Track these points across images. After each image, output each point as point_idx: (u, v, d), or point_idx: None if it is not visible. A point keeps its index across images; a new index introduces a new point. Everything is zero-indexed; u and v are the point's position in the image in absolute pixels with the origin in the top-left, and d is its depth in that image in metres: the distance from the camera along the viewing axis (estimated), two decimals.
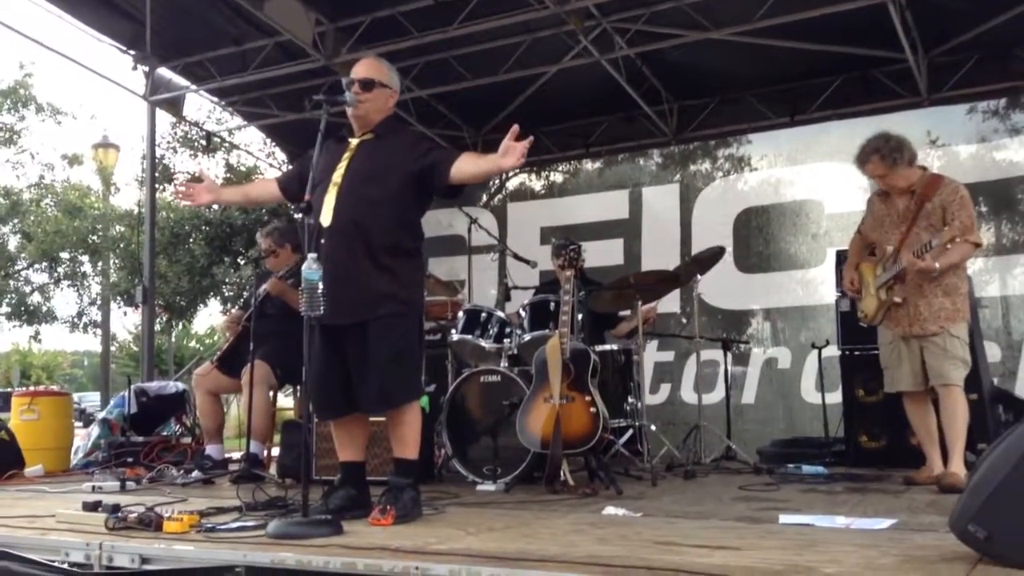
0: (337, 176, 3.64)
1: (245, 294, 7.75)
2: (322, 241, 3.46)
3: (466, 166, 3.55)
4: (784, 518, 3.37)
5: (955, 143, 7.45)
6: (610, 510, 3.68)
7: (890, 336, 4.70)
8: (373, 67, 3.80)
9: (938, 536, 2.82)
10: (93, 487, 4.82)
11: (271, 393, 5.74)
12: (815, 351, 6.61)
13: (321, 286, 3.14)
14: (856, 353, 5.79)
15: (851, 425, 5.78)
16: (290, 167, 3.84)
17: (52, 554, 3.03)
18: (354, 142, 3.77)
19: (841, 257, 5.97)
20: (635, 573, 2.28)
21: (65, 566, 3.01)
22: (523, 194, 9.46)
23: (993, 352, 6.84)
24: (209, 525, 3.21)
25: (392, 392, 3.55)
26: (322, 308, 3.16)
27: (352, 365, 3.58)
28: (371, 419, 3.91)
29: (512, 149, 3.29)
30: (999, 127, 7.43)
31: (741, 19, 6.78)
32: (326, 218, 3.56)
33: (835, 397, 6.20)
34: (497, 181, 9.60)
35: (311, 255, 3.17)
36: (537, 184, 9.47)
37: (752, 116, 8.24)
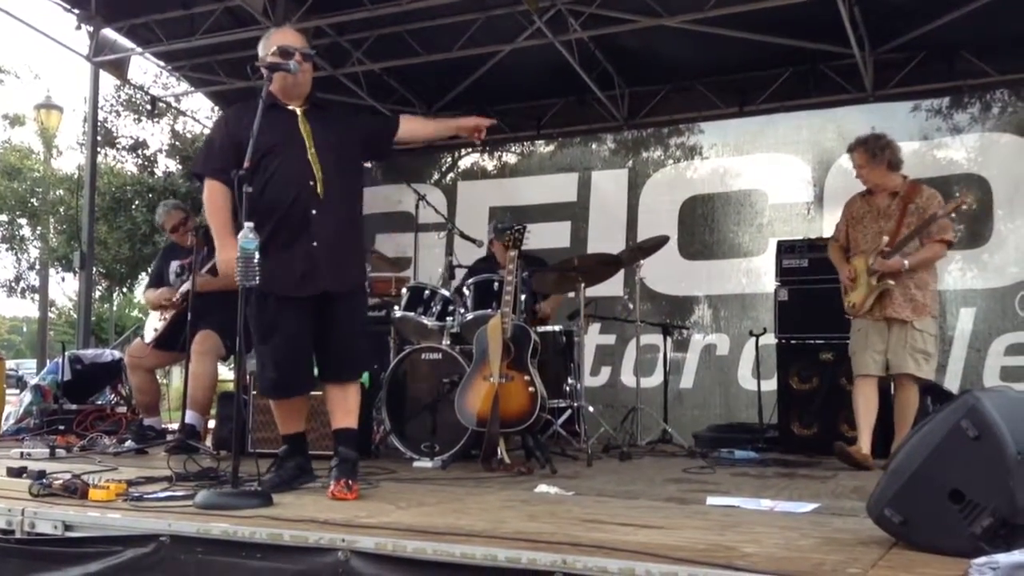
0: (309, 144, 3.60)
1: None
2: (313, 212, 3.51)
3: (415, 126, 4.02)
4: (711, 500, 3.43)
5: (898, 139, 7.40)
6: (542, 488, 3.71)
7: (859, 324, 4.95)
8: (302, 39, 3.78)
9: (858, 520, 2.89)
10: (22, 454, 4.74)
11: (217, 364, 5.65)
12: (753, 339, 6.71)
13: (257, 256, 3.11)
14: (792, 342, 5.91)
15: (784, 412, 5.89)
16: (208, 161, 3.70)
17: None
18: (299, 111, 3.70)
19: (782, 247, 6.11)
20: (559, 548, 2.30)
21: None
22: (474, 173, 9.42)
23: None
24: (136, 494, 3.18)
25: (361, 361, 3.85)
26: (257, 278, 3.13)
27: (320, 335, 3.62)
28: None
29: (476, 121, 3.95)
30: (942, 126, 7.55)
31: (693, 7, 6.82)
32: (318, 187, 3.53)
33: (770, 384, 6.30)
34: (449, 159, 9.56)
35: (248, 224, 3.13)
36: (489, 164, 9.43)
37: (702, 105, 8.28)
